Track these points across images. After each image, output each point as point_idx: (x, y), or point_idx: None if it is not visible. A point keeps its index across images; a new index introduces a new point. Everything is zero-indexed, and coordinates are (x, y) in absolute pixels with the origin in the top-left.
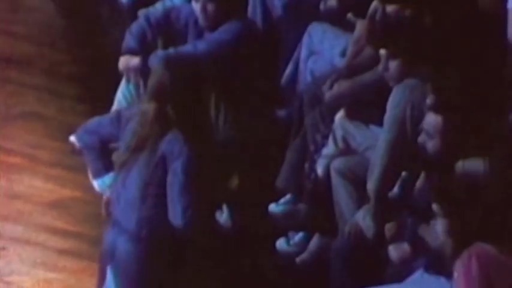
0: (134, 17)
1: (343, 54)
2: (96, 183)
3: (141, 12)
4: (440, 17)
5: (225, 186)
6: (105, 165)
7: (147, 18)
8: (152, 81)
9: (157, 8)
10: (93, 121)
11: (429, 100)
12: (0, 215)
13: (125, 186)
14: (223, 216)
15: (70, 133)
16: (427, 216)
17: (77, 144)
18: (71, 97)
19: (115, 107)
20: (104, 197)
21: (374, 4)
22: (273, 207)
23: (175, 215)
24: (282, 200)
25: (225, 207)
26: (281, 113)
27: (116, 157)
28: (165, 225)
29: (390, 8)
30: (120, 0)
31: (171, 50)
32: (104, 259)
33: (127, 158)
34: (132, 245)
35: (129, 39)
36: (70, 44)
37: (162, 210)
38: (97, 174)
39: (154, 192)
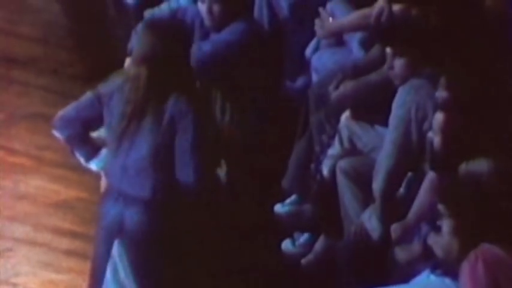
0: (140, 18)
1: (363, 44)
2: (93, 165)
3: (147, 13)
4: (446, 15)
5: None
6: (93, 146)
7: None
8: (142, 47)
9: (163, 9)
10: (70, 109)
11: (437, 97)
12: (6, 216)
13: (131, 156)
14: (223, 172)
15: None
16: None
17: (59, 137)
18: (77, 97)
19: None
20: None
21: (380, 3)
22: (278, 207)
23: (187, 173)
24: (288, 201)
25: (223, 163)
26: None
27: (108, 131)
28: (177, 188)
29: (396, 7)
30: (126, 0)
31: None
32: (106, 238)
33: (125, 128)
34: (146, 214)
35: (135, 40)
36: (76, 45)
37: (173, 173)
38: (89, 158)
39: (165, 155)
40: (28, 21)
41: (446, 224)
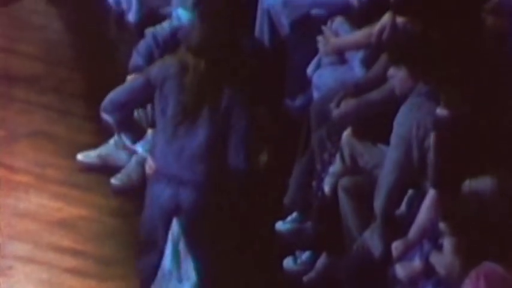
0: (141, 36)
1: (364, 62)
2: (139, 147)
3: (149, 31)
4: (447, 32)
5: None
6: (140, 128)
7: (155, 37)
8: (200, 37)
9: (164, 27)
10: (120, 93)
11: (435, 116)
12: (6, 234)
13: (189, 142)
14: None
15: (78, 151)
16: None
17: (108, 120)
18: (79, 115)
19: None
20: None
21: (382, 21)
22: (279, 225)
23: (239, 159)
24: (289, 218)
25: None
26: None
27: (160, 117)
28: (228, 173)
29: (399, 23)
30: (128, 18)
31: None
32: (163, 216)
33: (184, 116)
34: (200, 195)
35: (136, 58)
36: (78, 62)
37: (225, 160)
38: (136, 140)
39: (219, 143)
40: (30, 39)
41: (448, 242)
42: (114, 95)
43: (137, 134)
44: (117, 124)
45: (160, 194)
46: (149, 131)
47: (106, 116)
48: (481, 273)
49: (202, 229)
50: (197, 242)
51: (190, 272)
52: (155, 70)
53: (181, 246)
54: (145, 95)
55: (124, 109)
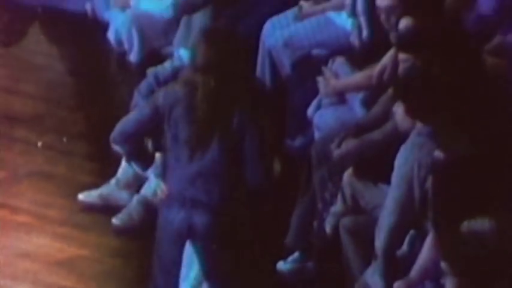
0: (143, 76)
1: (365, 103)
2: (149, 174)
3: (150, 71)
4: (449, 71)
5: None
6: (150, 156)
7: (156, 77)
8: (206, 55)
9: (166, 67)
10: (129, 124)
11: (433, 158)
12: (8, 274)
13: (205, 164)
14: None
15: (79, 191)
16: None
17: (118, 151)
18: (80, 155)
19: (123, 165)
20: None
21: (383, 62)
22: (281, 265)
23: (257, 175)
24: (290, 258)
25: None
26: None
27: (173, 142)
28: (242, 191)
29: (402, 58)
30: (129, 59)
31: None
32: (177, 240)
33: (201, 137)
34: (215, 217)
35: (137, 98)
36: (79, 103)
37: (239, 180)
38: (146, 167)
39: (233, 163)
40: (31, 80)
41: (450, 283)
42: (122, 126)
43: (148, 161)
44: (128, 155)
45: (173, 218)
46: (157, 156)
47: (116, 147)
48: None
49: (217, 253)
50: (213, 266)
51: None
52: (162, 97)
53: (196, 270)
54: (153, 123)
55: (133, 139)
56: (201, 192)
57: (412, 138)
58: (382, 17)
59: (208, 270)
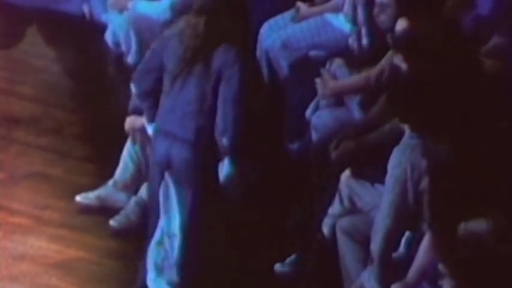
0: None
1: (362, 105)
2: (150, 128)
3: None
4: (446, 75)
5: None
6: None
7: None
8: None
9: None
10: (142, 63)
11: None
12: (5, 276)
13: (181, 98)
14: None
15: (77, 193)
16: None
17: (135, 91)
18: (78, 157)
19: (121, 167)
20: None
21: (381, 64)
22: (278, 267)
23: (226, 120)
24: (288, 260)
25: None
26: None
27: (165, 74)
28: (209, 131)
29: (398, 60)
30: (127, 60)
31: None
32: (158, 172)
33: (180, 71)
34: (190, 152)
35: (135, 100)
36: (77, 105)
37: (210, 120)
38: (151, 120)
39: (210, 103)
40: (29, 82)
41: (447, 284)
42: (139, 65)
43: (154, 114)
44: (142, 95)
45: (157, 149)
46: None
47: (133, 87)
48: None
49: (191, 187)
50: (185, 199)
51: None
52: (167, 30)
53: (172, 201)
54: (157, 59)
55: (146, 78)
56: (177, 127)
57: (405, 140)
58: (376, 10)
59: (183, 203)
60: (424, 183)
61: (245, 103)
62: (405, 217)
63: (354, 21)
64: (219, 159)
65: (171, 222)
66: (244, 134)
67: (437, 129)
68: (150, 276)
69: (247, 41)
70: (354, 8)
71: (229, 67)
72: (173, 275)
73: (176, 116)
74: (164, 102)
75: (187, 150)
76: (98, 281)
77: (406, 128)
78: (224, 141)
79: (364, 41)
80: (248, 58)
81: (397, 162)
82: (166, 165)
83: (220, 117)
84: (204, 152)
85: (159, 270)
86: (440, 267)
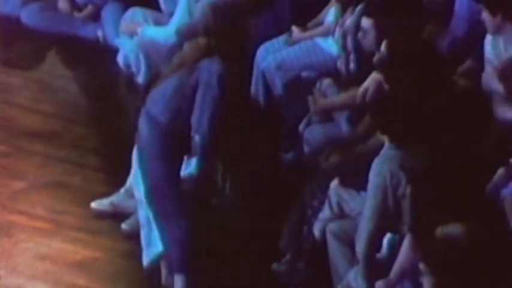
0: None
1: (349, 120)
2: None
3: None
4: (423, 91)
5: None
6: None
7: None
8: (201, 21)
9: None
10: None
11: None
12: (28, 275)
13: (165, 88)
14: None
15: (92, 200)
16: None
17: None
18: (93, 167)
19: (131, 177)
20: None
21: (365, 84)
22: (275, 266)
23: (201, 121)
24: (283, 260)
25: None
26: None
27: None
28: (183, 123)
29: (380, 78)
30: (137, 80)
31: None
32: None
33: (170, 71)
34: (155, 128)
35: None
36: (92, 120)
37: (185, 113)
38: None
39: (184, 97)
40: (49, 100)
41: (427, 281)
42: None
43: None
44: None
45: (140, 132)
46: None
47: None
48: None
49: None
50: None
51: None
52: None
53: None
54: None
55: None
56: (156, 109)
57: (385, 151)
58: (360, 35)
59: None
60: (402, 189)
61: (223, 107)
62: (386, 220)
63: (343, 47)
64: (186, 153)
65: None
66: (217, 137)
67: (413, 141)
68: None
69: (242, 57)
70: (344, 36)
71: (212, 74)
72: (143, 237)
73: (158, 101)
74: (153, 90)
75: (154, 126)
76: (112, 279)
77: (386, 140)
78: (196, 138)
79: (352, 65)
80: (237, 70)
81: (378, 171)
82: (137, 139)
83: (197, 115)
84: (173, 139)
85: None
86: (421, 265)
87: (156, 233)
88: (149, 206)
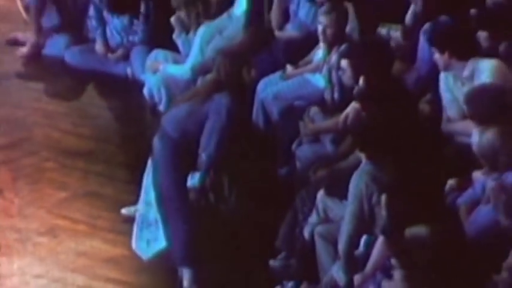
0: None
1: (334, 141)
2: None
3: None
4: (394, 117)
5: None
6: None
7: None
8: (213, 63)
9: None
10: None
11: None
12: (70, 268)
13: (179, 111)
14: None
15: (122, 207)
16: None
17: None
18: (123, 180)
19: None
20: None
21: (346, 111)
22: (272, 262)
23: (209, 143)
24: (279, 257)
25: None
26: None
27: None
28: (190, 141)
29: (358, 107)
30: (159, 108)
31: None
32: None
33: (184, 99)
34: (167, 143)
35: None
36: (122, 141)
37: (193, 133)
38: None
39: (195, 120)
40: (88, 125)
41: (397, 273)
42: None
43: None
44: None
45: (154, 147)
46: None
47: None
48: None
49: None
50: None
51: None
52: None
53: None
54: None
55: None
56: (169, 127)
57: (362, 166)
58: (340, 72)
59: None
60: (375, 198)
61: (229, 133)
62: (362, 224)
63: (329, 81)
64: (192, 167)
65: (149, 193)
66: (223, 156)
67: (385, 158)
68: (135, 231)
69: (246, 90)
70: (330, 71)
71: (222, 106)
72: (149, 234)
73: (172, 120)
74: (169, 110)
75: (166, 142)
76: (137, 272)
77: (363, 157)
78: (203, 156)
79: (336, 96)
80: (242, 100)
81: (356, 183)
82: (151, 153)
83: (206, 137)
84: (181, 154)
85: (139, 227)
86: (392, 261)
87: (161, 232)
88: (158, 209)
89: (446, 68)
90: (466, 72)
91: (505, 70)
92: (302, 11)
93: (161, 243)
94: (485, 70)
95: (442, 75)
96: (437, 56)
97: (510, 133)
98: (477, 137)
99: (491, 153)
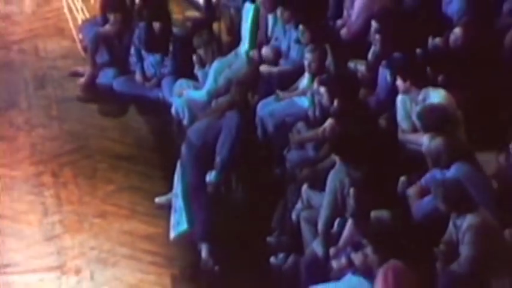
0: None
1: (315, 148)
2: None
3: None
4: (359, 130)
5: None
6: None
7: None
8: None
9: None
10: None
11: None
12: (116, 243)
13: (200, 125)
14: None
15: (156, 196)
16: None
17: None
18: (157, 177)
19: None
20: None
21: (325, 125)
22: (268, 238)
23: (222, 150)
24: (274, 234)
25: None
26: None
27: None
28: (209, 147)
29: (333, 123)
30: (184, 123)
31: None
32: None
33: (204, 115)
34: (192, 149)
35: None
36: (156, 147)
37: (211, 142)
38: None
39: (213, 132)
40: (130, 135)
41: (368, 248)
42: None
43: None
44: None
45: (182, 151)
46: None
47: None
48: (389, 266)
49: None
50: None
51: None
52: None
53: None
54: None
55: None
56: (194, 137)
57: (337, 166)
58: (319, 97)
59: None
60: (346, 190)
61: (238, 143)
62: (336, 210)
63: (312, 102)
64: (210, 167)
65: (177, 187)
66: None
67: (354, 160)
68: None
69: (250, 109)
70: (313, 95)
71: (233, 122)
72: (174, 218)
73: (195, 131)
74: (194, 126)
75: (191, 149)
76: (168, 246)
77: (337, 159)
78: (218, 160)
79: (317, 113)
80: (248, 118)
81: (331, 179)
82: (180, 155)
83: (220, 145)
84: (199, 152)
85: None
86: (360, 238)
87: (183, 217)
88: (183, 199)
89: (406, 92)
90: (420, 97)
91: (449, 97)
92: (293, 51)
93: (183, 226)
94: (436, 97)
95: (400, 98)
96: (399, 82)
97: (451, 140)
98: (427, 142)
99: (436, 154)
